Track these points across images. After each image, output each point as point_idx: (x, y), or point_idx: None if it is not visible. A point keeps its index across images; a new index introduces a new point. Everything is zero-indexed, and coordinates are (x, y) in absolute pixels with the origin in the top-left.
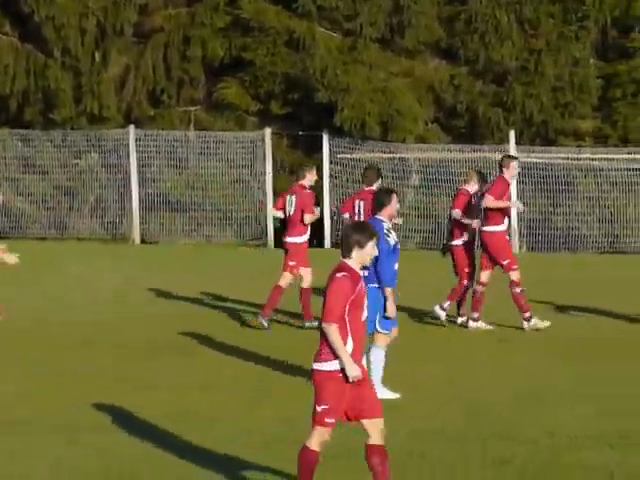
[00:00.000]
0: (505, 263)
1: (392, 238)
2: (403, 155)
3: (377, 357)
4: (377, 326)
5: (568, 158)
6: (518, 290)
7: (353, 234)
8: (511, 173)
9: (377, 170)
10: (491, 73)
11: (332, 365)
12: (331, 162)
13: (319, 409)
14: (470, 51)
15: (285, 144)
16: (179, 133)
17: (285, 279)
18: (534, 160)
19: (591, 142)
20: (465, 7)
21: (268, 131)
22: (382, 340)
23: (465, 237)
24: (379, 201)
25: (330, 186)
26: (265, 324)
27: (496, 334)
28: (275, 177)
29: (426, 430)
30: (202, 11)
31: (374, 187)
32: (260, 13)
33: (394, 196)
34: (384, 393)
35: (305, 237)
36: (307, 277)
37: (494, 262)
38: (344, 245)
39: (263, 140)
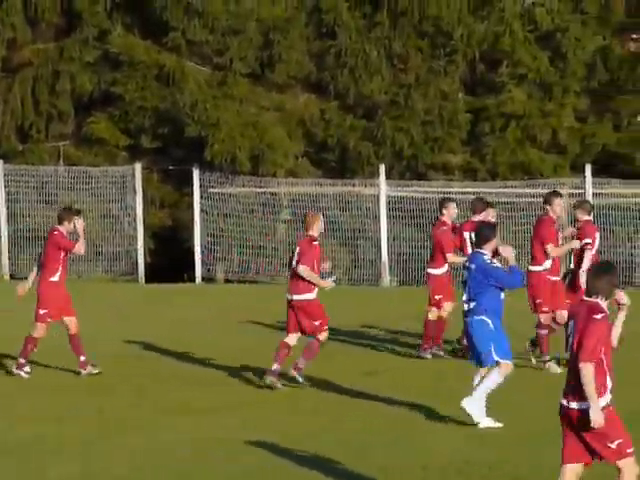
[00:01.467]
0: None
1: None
2: (274, 189)
3: (493, 383)
4: (495, 357)
5: (438, 192)
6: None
7: (606, 276)
8: (556, 211)
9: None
10: (361, 107)
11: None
12: (202, 197)
13: (614, 445)
14: (340, 85)
15: (156, 179)
16: (49, 168)
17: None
18: (405, 194)
19: (461, 176)
20: (335, 42)
21: (138, 166)
22: (504, 370)
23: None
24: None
25: (201, 221)
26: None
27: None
28: (146, 212)
29: None
30: (71, 45)
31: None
32: (129, 47)
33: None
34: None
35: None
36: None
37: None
38: (594, 285)
39: (133, 175)
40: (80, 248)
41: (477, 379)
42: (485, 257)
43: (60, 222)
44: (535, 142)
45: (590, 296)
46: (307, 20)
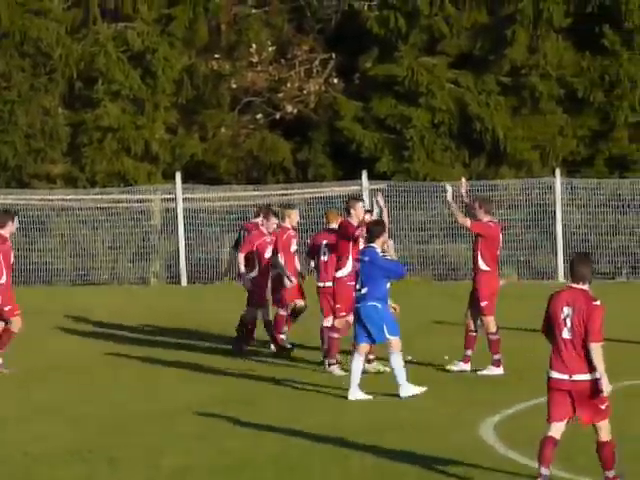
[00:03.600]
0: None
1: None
2: None
3: (398, 362)
4: (387, 335)
5: (42, 199)
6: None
7: (590, 264)
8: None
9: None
10: None
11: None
12: None
13: (603, 407)
14: None
15: None
16: None
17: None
18: (10, 202)
19: (62, 184)
20: None
21: None
22: (396, 346)
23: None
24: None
25: None
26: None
27: None
28: None
29: None
30: None
31: None
32: None
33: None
34: (411, 390)
35: None
36: None
37: None
38: (586, 274)
39: None
40: None
41: (356, 363)
42: (376, 251)
43: None
44: (130, 152)
45: (577, 283)
46: None
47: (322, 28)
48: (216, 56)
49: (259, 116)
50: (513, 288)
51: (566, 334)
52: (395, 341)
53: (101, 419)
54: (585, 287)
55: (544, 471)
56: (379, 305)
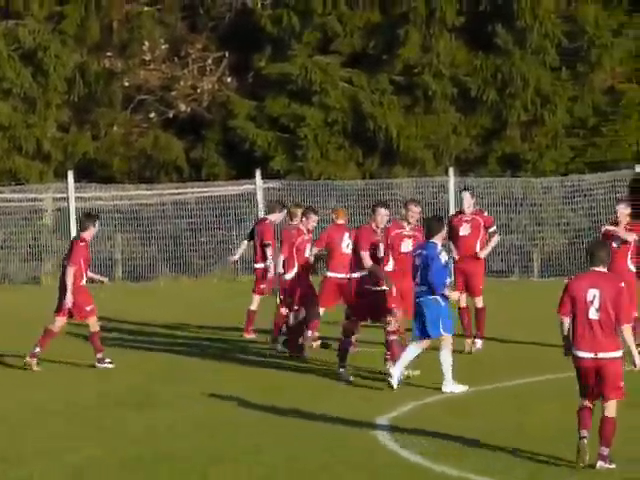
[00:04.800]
0: None
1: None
2: None
3: (447, 358)
4: (442, 331)
5: None
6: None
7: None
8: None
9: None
10: None
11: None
12: None
13: (622, 384)
14: None
15: None
16: None
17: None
18: None
19: None
20: None
21: None
22: (449, 342)
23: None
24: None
25: None
26: None
27: None
28: None
29: None
30: None
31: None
32: None
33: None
34: (457, 388)
35: None
36: None
37: None
38: (604, 258)
39: None
40: None
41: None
42: (437, 247)
43: None
44: (21, 151)
45: (598, 266)
46: None
47: (215, 26)
48: (108, 54)
49: (152, 115)
50: None
51: (593, 315)
52: (448, 338)
53: None
54: (605, 270)
55: (584, 432)
56: (440, 300)
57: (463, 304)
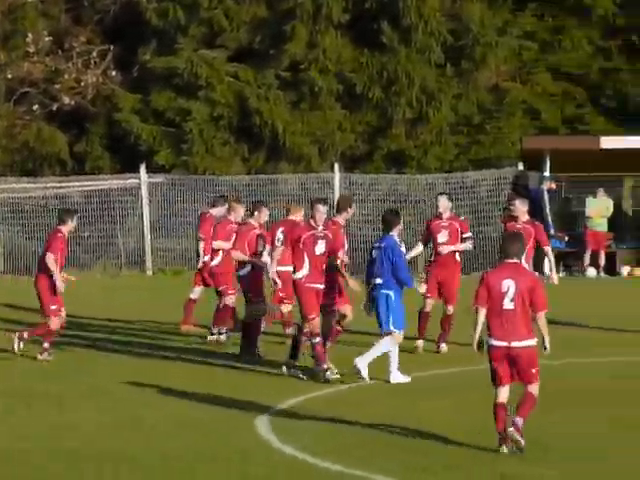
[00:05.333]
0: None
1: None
2: None
3: (383, 348)
4: (391, 327)
5: None
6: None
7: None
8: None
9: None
10: None
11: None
12: None
13: (534, 371)
14: None
15: None
16: None
17: None
18: None
19: None
20: None
21: None
22: (397, 339)
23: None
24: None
25: None
26: None
27: None
28: None
29: None
30: None
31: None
32: None
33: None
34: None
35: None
36: None
37: None
38: (518, 250)
39: None
40: None
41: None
42: (395, 240)
43: None
44: None
45: (512, 259)
46: None
47: (100, 19)
48: None
49: (35, 107)
50: None
51: (508, 304)
52: (397, 335)
53: None
54: (519, 261)
55: (510, 431)
56: (392, 295)
57: (428, 309)
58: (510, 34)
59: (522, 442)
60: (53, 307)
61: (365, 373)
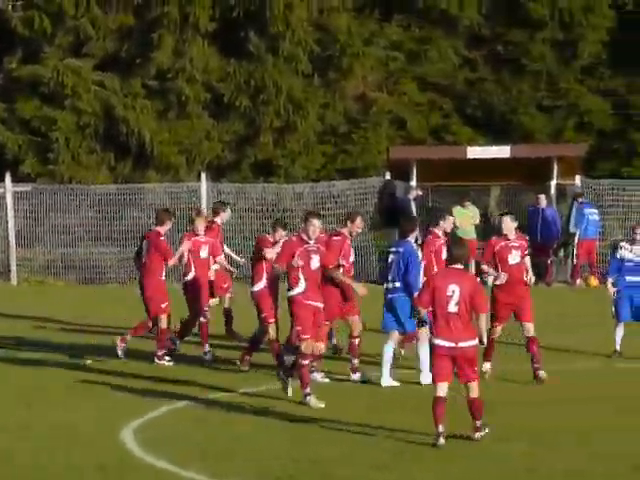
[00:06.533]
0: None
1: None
2: None
3: (426, 350)
4: (416, 327)
5: None
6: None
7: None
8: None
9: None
10: None
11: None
12: None
13: (475, 369)
14: None
15: None
16: None
17: None
18: None
19: None
20: None
21: None
22: (425, 335)
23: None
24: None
25: None
26: None
27: None
28: None
29: None
30: None
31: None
32: None
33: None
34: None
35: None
36: None
37: None
38: (462, 256)
39: None
40: None
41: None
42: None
43: None
44: None
45: (456, 264)
46: None
47: None
48: None
49: None
50: None
51: (452, 308)
52: (397, 335)
53: None
54: (462, 267)
55: (440, 428)
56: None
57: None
58: (377, 44)
59: (487, 431)
60: None
61: (428, 380)
